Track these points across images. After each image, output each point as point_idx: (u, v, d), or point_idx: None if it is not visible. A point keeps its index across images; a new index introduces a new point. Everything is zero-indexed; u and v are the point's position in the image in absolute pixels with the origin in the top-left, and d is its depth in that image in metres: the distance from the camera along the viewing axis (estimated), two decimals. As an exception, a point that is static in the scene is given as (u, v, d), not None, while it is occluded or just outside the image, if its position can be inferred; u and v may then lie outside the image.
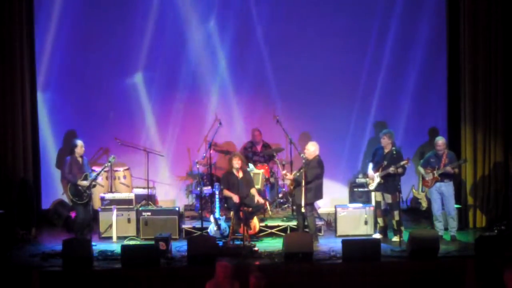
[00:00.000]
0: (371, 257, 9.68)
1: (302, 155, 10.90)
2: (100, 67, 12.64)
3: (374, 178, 11.06)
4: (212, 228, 11.02)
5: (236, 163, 11.06)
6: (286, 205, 12.41)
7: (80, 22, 12.52)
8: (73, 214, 11.42)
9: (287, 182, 11.26)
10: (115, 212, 11.37)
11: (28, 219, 11.56)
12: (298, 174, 10.83)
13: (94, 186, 11.02)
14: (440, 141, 11.17)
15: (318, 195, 10.91)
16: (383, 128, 12.04)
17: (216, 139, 12.37)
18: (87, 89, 12.66)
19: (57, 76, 12.59)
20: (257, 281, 7.65)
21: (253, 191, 11.18)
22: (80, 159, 10.95)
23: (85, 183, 10.85)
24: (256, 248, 10.29)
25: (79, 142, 10.99)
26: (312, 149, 10.91)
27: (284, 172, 11.35)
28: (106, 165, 11.08)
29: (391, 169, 10.77)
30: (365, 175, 11.89)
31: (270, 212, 12.00)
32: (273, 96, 12.94)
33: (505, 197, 11.93)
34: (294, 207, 11.44)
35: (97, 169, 11.26)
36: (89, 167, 11.20)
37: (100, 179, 11.39)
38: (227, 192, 11.04)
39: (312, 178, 10.73)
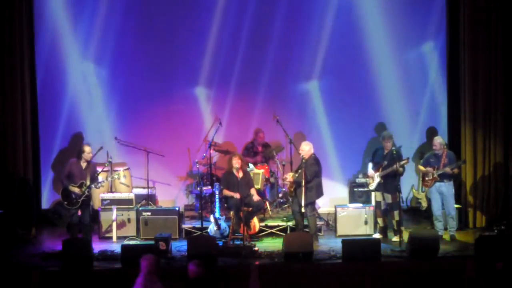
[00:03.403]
0: (371, 257, 9.68)
1: (302, 155, 10.89)
2: (100, 66, 12.66)
3: (374, 178, 11.05)
4: (212, 228, 11.01)
5: (236, 163, 11.07)
6: (286, 205, 12.40)
7: (79, 21, 12.52)
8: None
9: (287, 184, 11.21)
10: (115, 212, 11.37)
11: (28, 219, 11.56)
12: (297, 175, 10.83)
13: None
14: (437, 140, 11.14)
15: (319, 192, 10.95)
16: (383, 128, 12.03)
17: (216, 139, 12.37)
18: (87, 88, 12.65)
19: (57, 75, 12.58)
20: (197, 268, 7.64)
21: (252, 191, 11.18)
22: (84, 164, 10.71)
23: (77, 190, 10.63)
24: (256, 248, 10.27)
25: (87, 148, 10.73)
26: (306, 148, 10.92)
27: (285, 176, 11.32)
28: (100, 183, 10.76)
29: (391, 169, 10.76)
30: (365, 175, 11.88)
31: (270, 212, 12.00)
32: (273, 96, 12.93)
33: (505, 197, 11.94)
34: (292, 207, 11.27)
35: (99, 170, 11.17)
36: (97, 172, 10.87)
37: (100, 180, 11.37)
38: (227, 192, 11.05)
39: (312, 176, 10.75)
